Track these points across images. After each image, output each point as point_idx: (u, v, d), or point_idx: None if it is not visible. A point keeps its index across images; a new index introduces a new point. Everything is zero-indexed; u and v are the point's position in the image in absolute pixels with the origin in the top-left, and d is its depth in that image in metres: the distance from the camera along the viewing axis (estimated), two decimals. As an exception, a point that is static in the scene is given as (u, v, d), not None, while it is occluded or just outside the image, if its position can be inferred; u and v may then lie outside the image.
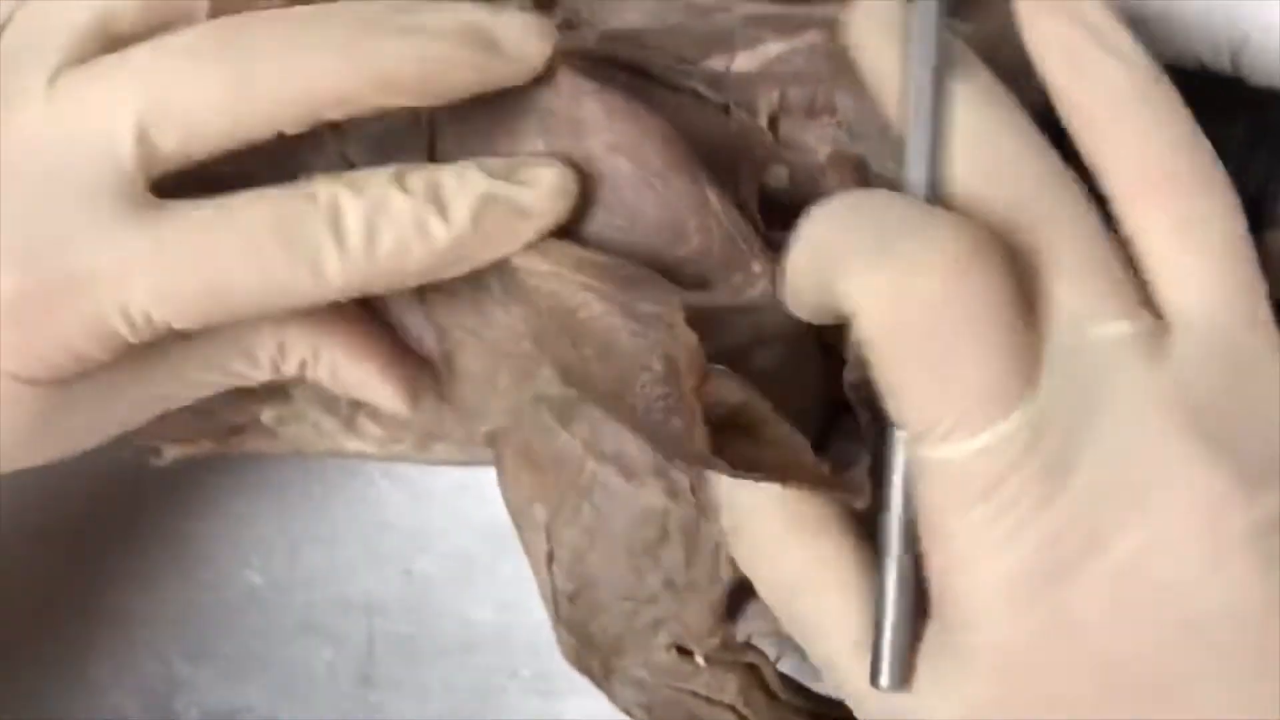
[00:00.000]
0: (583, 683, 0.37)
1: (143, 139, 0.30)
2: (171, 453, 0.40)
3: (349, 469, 0.46)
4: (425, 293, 0.35)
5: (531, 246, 0.32)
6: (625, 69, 0.35)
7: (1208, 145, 0.29)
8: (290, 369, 0.34)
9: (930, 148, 0.29)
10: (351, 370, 0.35)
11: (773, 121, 0.34)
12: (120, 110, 0.30)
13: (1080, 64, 0.29)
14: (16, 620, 0.45)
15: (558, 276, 0.32)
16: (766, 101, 0.34)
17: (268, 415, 0.38)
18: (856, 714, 0.31)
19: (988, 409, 0.27)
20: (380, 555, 0.46)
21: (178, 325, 0.31)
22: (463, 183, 0.31)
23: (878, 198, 0.29)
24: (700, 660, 0.35)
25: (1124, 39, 0.29)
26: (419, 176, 0.31)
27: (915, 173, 0.29)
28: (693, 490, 0.33)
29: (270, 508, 0.46)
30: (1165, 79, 0.29)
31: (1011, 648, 0.28)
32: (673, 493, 0.34)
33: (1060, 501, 0.27)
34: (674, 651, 0.35)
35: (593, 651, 0.36)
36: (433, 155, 0.34)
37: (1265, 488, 0.27)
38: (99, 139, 0.30)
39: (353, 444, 0.38)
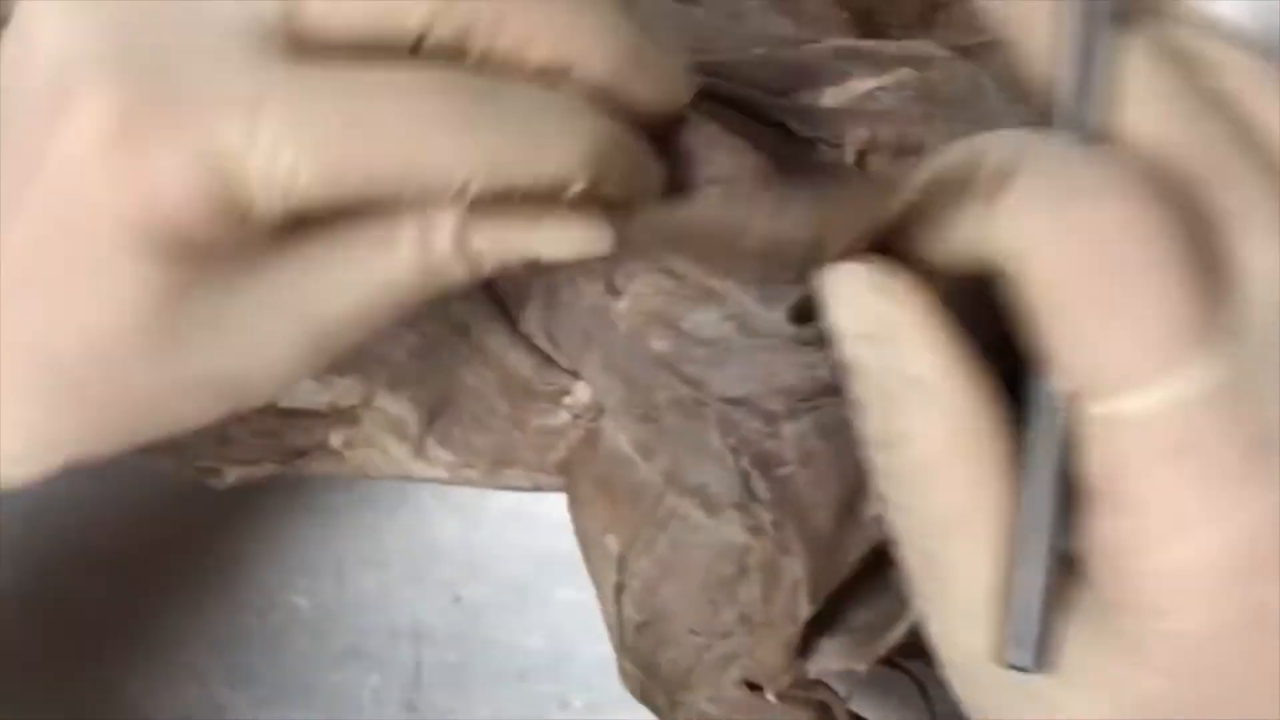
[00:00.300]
0: (638, 714, 0.37)
1: None
2: (232, 475, 0.39)
3: (399, 492, 0.45)
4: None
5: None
6: (713, 99, 0.34)
7: None
8: (442, 241, 0.29)
9: (1090, 97, 0.26)
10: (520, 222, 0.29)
11: (860, 157, 0.34)
12: None
13: (1203, 56, 0.27)
14: (59, 641, 0.45)
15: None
16: (854, 137, 0.34)
17: (336, 439, 0.38)
18: (961, 695, 0.28)
19: (1171, 350, 0.24)
20: (429, 581, 0.45)
21: (303, 180, 0.26)
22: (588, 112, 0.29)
23: (1033, 134, 0.26)
24: (771, 697, 0.35)
25: (1218, 30, 0.28)
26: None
27: (1075, 117, 0.26)
28: (775, 526, 0.33)
29: (318, 531, 0.45)
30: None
31: (1198, 641, 0.25)
32: (755, 529, 0.33)
33: (1275, 481, 0.24)
34: (744, 687, 0.35)
35: (658, 684, 0.36)
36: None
37: None
38: None
39: (421, 469, 0.38)
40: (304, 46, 0.27)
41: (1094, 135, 0.26)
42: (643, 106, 0.30)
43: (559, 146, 0.28)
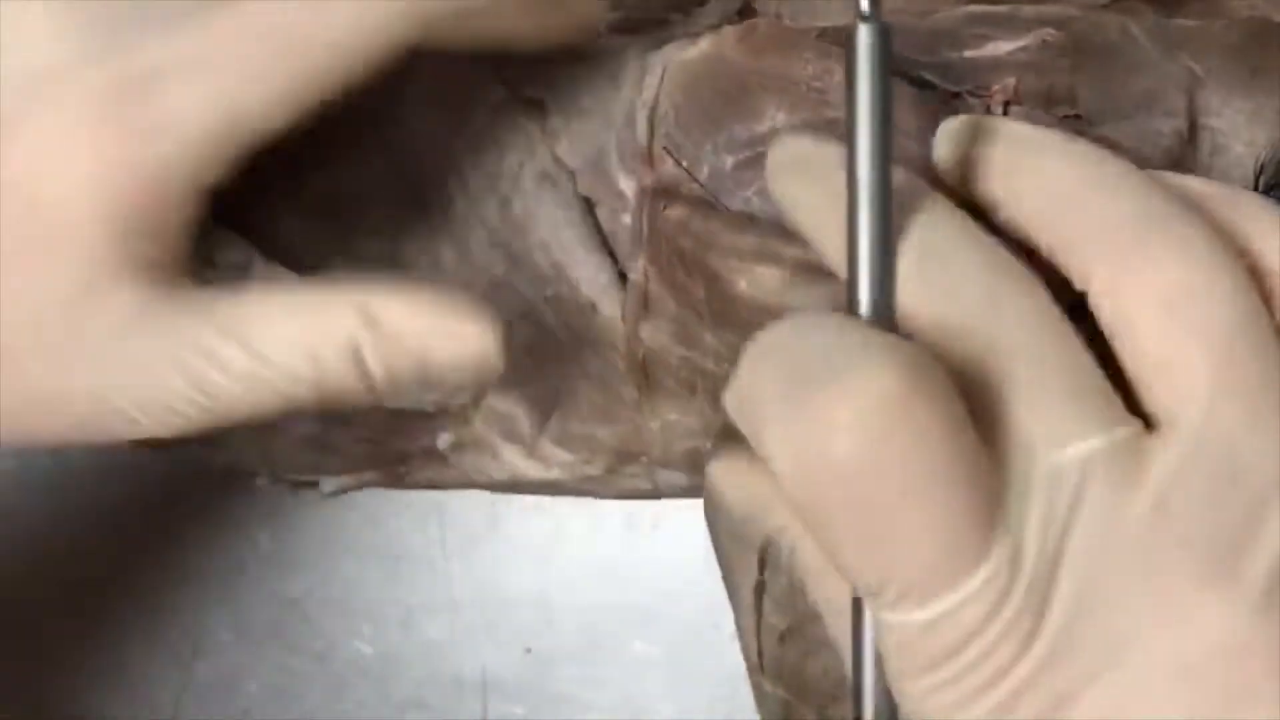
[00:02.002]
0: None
1: None
2: (331, 486, 0.37)
3: (471, 535, 0.43)
4: None
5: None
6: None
7: (1194, 217, 0.26)
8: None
9: (874, 272, 0.26)
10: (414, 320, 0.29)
11: (1005, 107, 0.33)
12: None
13: (1018, 171, 0.27)
14: (111, 681, 0.42)
15: None
16: (1001, 89, 0.33)
17: (444, 440, 0.35)
18: None
19: (936, 577, 0.24)
20: (500, 629, 0.42)
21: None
22: None
23: (814, 325, 0.24)
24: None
25: (1055, 138, 0.27)
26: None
27: (862, 299, 0.26)
28: None
29: (385, 573, 0.43)
30: (1121, 161, 0.27)
31: None
32: None
33: (1025, 660, 0.24)
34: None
35: (806, 700, 0.33)
36: (651, 141, 0.33)
37: (1270, 616, 0.23)
38: None
39: (536, 471, 0.35)
40: None
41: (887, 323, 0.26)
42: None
43: None
